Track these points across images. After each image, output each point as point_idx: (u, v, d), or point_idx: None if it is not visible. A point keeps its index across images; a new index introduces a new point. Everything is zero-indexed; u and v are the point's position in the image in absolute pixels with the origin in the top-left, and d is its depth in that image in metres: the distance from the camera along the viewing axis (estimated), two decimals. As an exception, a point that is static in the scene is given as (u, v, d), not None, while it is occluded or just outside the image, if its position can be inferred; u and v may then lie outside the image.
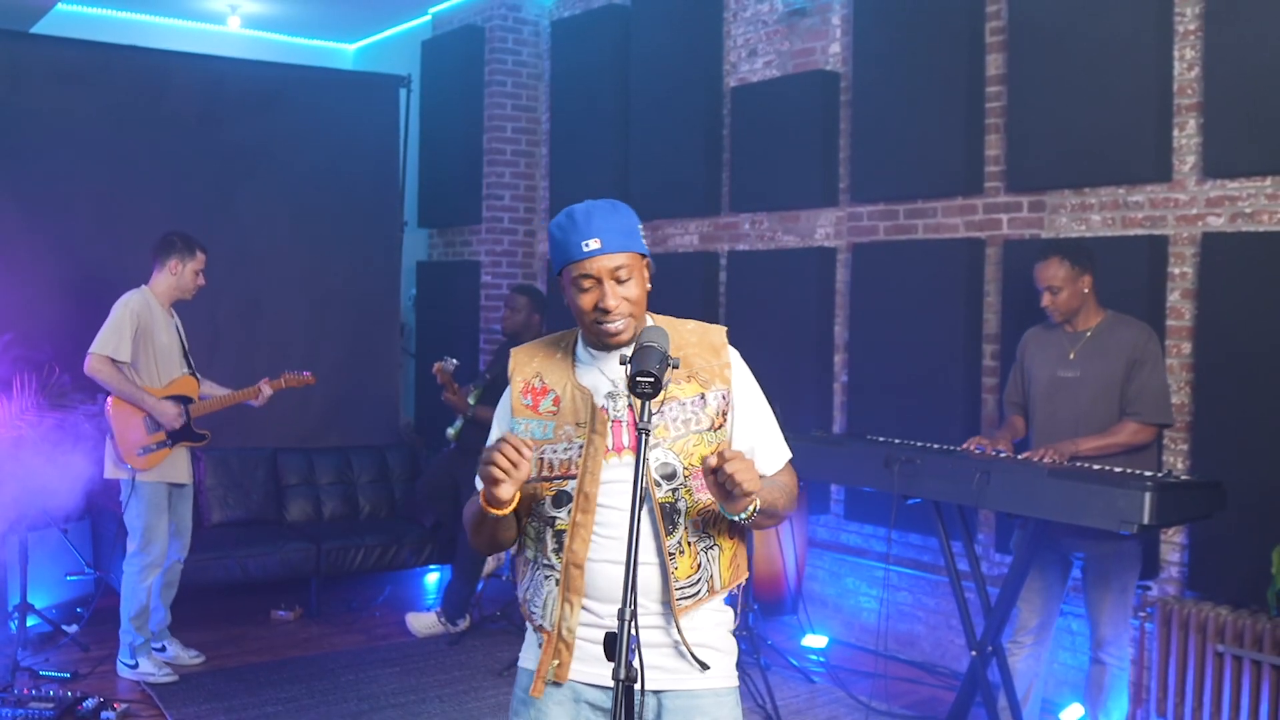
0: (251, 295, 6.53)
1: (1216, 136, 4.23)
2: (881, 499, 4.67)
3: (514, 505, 2.09)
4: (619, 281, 2.12)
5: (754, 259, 6.01)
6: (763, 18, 6.06)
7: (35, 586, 5.18)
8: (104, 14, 7.98)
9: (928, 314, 5.16)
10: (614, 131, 6.79)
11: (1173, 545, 4.39)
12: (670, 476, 2.14)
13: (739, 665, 2.30)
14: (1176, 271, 4.40)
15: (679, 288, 6.11)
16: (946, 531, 4.06)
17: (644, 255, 2.18)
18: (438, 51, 7.89)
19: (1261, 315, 4.08)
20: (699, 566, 2.16)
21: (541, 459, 2.17)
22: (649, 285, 2.20)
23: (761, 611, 5.27)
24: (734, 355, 2.27)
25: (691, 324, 2.29)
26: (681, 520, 2.14)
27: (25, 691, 4.40)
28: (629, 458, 2.13)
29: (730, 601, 2.27)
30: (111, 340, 4.66)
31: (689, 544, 2.15)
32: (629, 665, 1.90)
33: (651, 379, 1.96)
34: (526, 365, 2.27)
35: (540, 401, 2.21)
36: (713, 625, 2.21)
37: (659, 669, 2.14)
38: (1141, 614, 4.26)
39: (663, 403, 2.14)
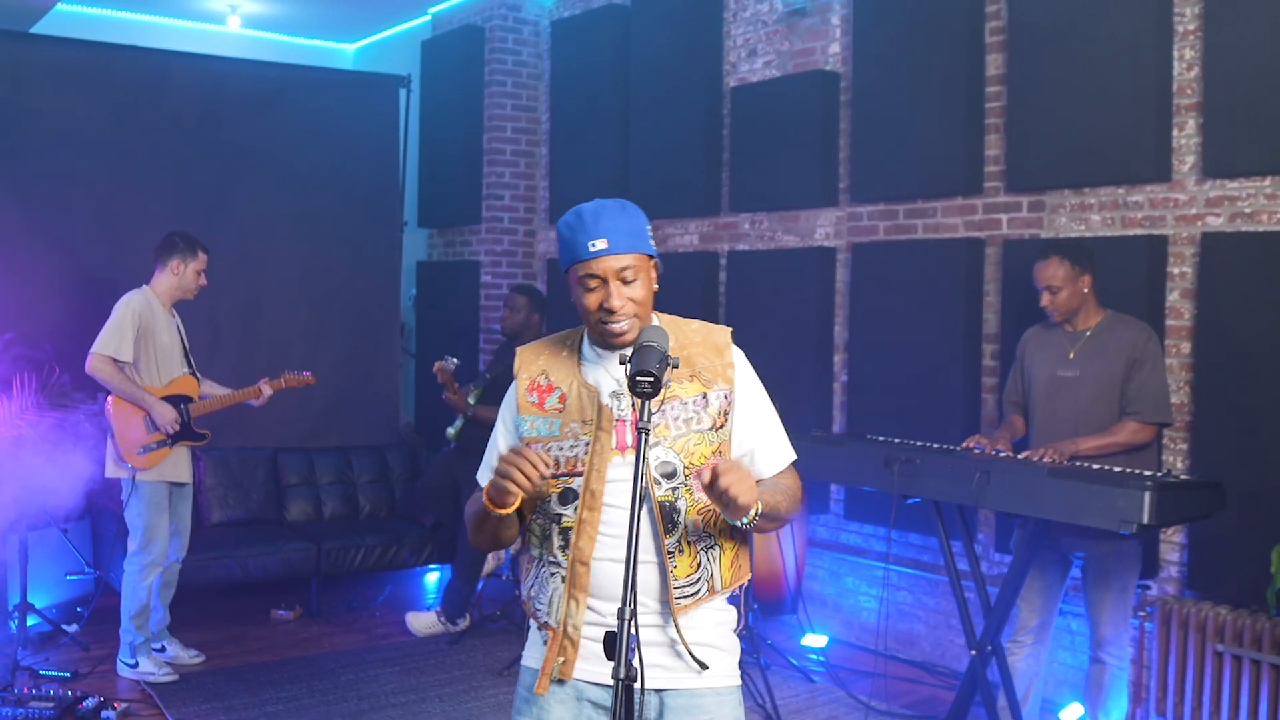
0: (251, 295, 6.53)
1: (1216, 136, 4.23)
2: (881, 499, 4.68)
3: (518, 504, 2.10)
4: (625, 282, 2.13)
5: (754, 259, 6.02)
6: (762, 18, 6.07)
7: (35, 586, 5.18)
8: (104, 14, 7.99)
9: (927, 314, 5.16)
10: (614, 131, 6.79)
11: (1172, 545, 4.40)
12: (670, 475, 2.14)
13: (739, 664, 2.30)
14: (1176, 271, 4.40)
15: (679, 288, 6.11)
16: (946, 531, 4.06)
17: (652, 256, 2.19)
18: (438, 51, 7.89)
19: (1261, 315, 4.08)
20: (699, 566, 2.16)
21: (548, 456, 2.17)
22: (656, 286, 2.20)
23: (761, 611, 5.27)
24: (738, 355, 2.27)
25: (696, 324, 2.30)
26: (681, 519, 2.15)
27: (25, 691, 4.40)
28: (632, 456, 2.13)
29: (734, 601, 2.27)
30: (113, 340, 4.67)
31: (689, 543, 2.15)
32: (629, 664, 1.91)
33: (651, 379, 1.97)
34: (532, 363, 2.27)
35: (546, 399, 2.22)
36: (715, 624, 2.21)
37: (660, 667, 2.14)
38: (1141, 613, 4.26)
39: (662, 402, 2.14)
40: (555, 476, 2.16)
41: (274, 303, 6.65)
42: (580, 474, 2.14)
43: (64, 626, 5.26)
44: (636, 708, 1.96)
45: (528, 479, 2.01)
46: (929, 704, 4.77)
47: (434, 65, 7.88)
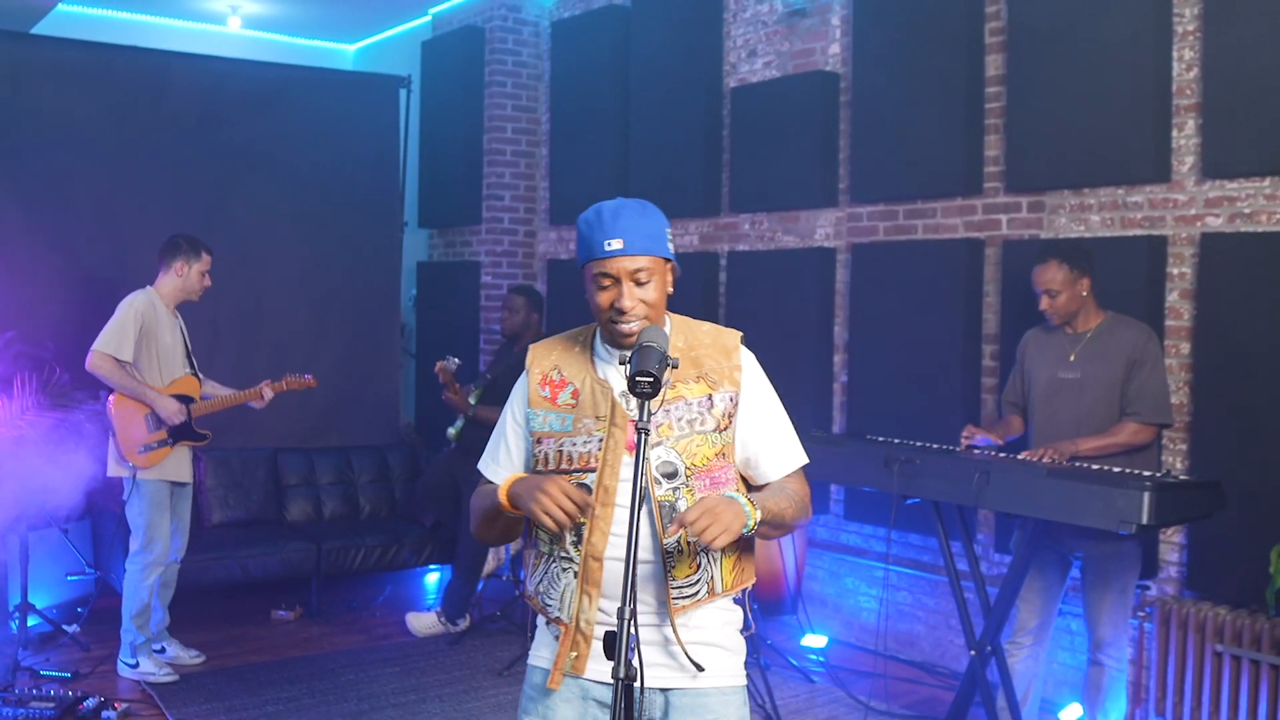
0: (252, 295, 6.53)
1: (1215, 137, 4.24)
2: (881, 499, 4.68)
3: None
4: (638, 284, 2.14)
5: (754, 259, 6.02)
6: (762, 18, 6.07)
7: (36, 586, 5.19)
8: (104, 14, 7.99)
9: (927, 314, 5.17)
10: (614, 132, 6.79)
11: (1172, 545, 4.40)
12: (671, 475, 2.14)
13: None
14: (1175, 272, 4.41)
15: (679, 288, 6.07)
16: (946, 531, 4.07)
17: (668, 260, 2.19)
18: (438, 52, 7.90)
19: (1260, 315, 4.08)
20: (699, 567, 2.16)
21: (560, 451, 2.18)
22: (670, 290, 2.21)
23: (761, 611, 5.27)
24: (747, 358, 2.27)
25: (707, 326, 2.31)
26: None
27: (26, 691, 4.40)
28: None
29: (740, 602, 2.27)
30: (114, 339, 4.68)
31: (689, 544, 2.14)
32: (628, 664, 1.91)
33: (651, 379, 1.97)
34: (545, 358, 2.28)
35: (559, 394, 2.22)
36: (720, 624, 2.21)
37: (665, 667, 2.15)
38: (1141, 614, 4.26)
39: (662, 402, 2.14)
40: (568, 472, 2.17)
41: (274, 303, 6.65)
42: (593, 470, 2.14)
43: (64, 627, 5.27)
44: (636, 707, 1.97)
45: (564, 519, 2.02)
46: (929, 704, 4.78)
47: (434, 66, 7.88)
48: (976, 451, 3.98)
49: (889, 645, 5.31)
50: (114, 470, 4.77)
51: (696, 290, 6.16)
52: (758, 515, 2.08)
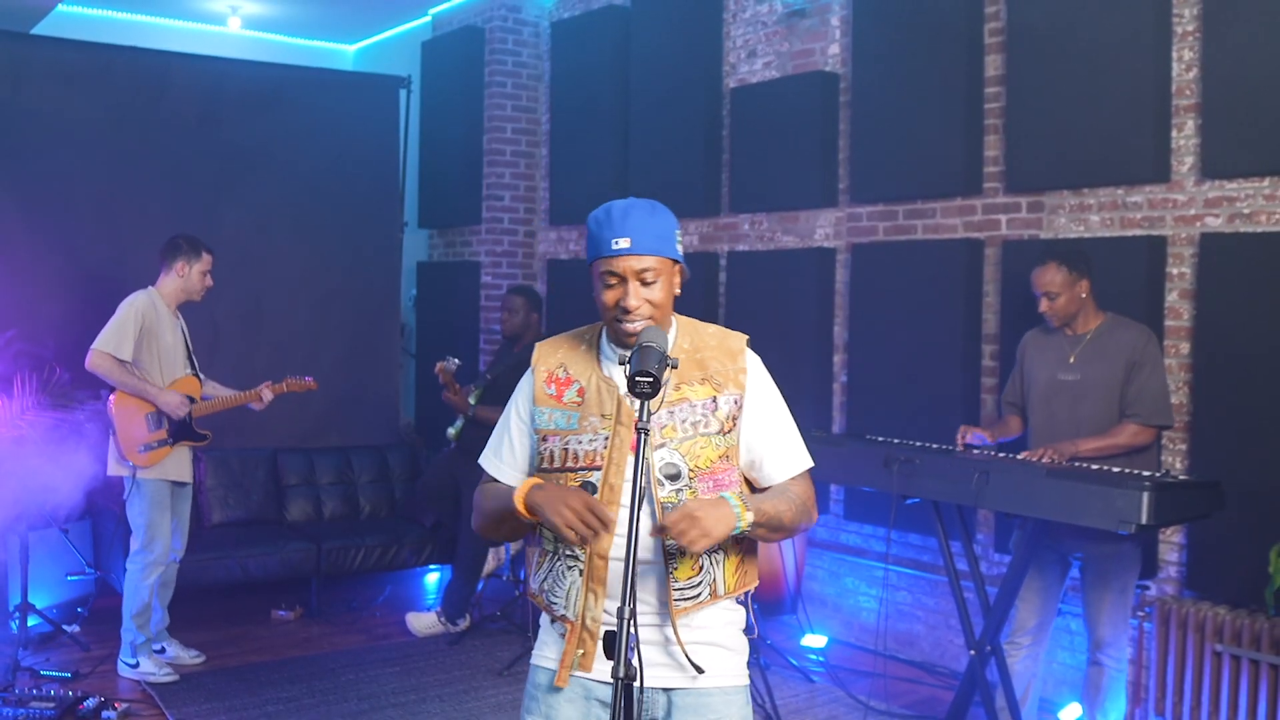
0: (252, 295, 6.54)
1: (1215, 137, 4.24)
2: (881, 499, 4.68)
3: None
4: (644, 283, 2.14)
5: (753, 259, 6.02)
6: (762, 19, 6.07)
7: (36, 586, 5.19)
8: (104, 15, 8.00)
9: (927, 314, 5.17)
10: (614, 132, 6.80)
11: (1171, 545, 4.40)
12: (675, 477, 2.14)
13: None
14: (1175, 272, 4.41)
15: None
16: (945, 531, 4.07)
17: (676, 261, 2.19)
18: (438, 52, 7.90)
19: (1259, 315, 4.08)
20: (701, 569, 2.16)
21: (566, 449, 2.18)
22: (678, 291, 2.21)
23: (761, 611, 5.28)
24: (753, 361, 2.27)
25: (713, 328, 2.31)
26: None
27: (26, 691, 4.41)
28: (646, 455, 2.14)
29: (743, 602, 2.27)
30: (114, 338, 4.68)
31: None
32: (628, 663, 1.91)
33: (650, 379, 1.98)
34: (550, 356, 2.28)
35: (564, 392, 2.22)
36: (722, 624, 2.21)
37: (667, 667, 2.15)
38: (1140, 613, 4.26)
39: (662, 402, 2.15)
40: (574, 470, 2.17)
41: (274, 303, 6.66)
42: (599, 468, 2.15)
43: (64, 627, 5.27)
44: (636, 706, 1.97)
45: (590, 535, 2.04)
46: (928, 704, 4.78)
47: (434, 66, 7.89)
48: (976, 451, 3.98)
49: (889, 645, 5.32)
50: (114, 469, 4.78)
51: (696, 290, 6.16)
52: (749, 518, 2.08)
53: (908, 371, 5.23)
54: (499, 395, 5.50)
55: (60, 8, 7.09)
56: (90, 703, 4.31)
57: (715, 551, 2.18)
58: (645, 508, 2.11)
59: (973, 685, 3.97)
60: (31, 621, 5.05)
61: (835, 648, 5.45)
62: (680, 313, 2.32)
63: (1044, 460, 3.73)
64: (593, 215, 2.19)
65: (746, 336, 2.30)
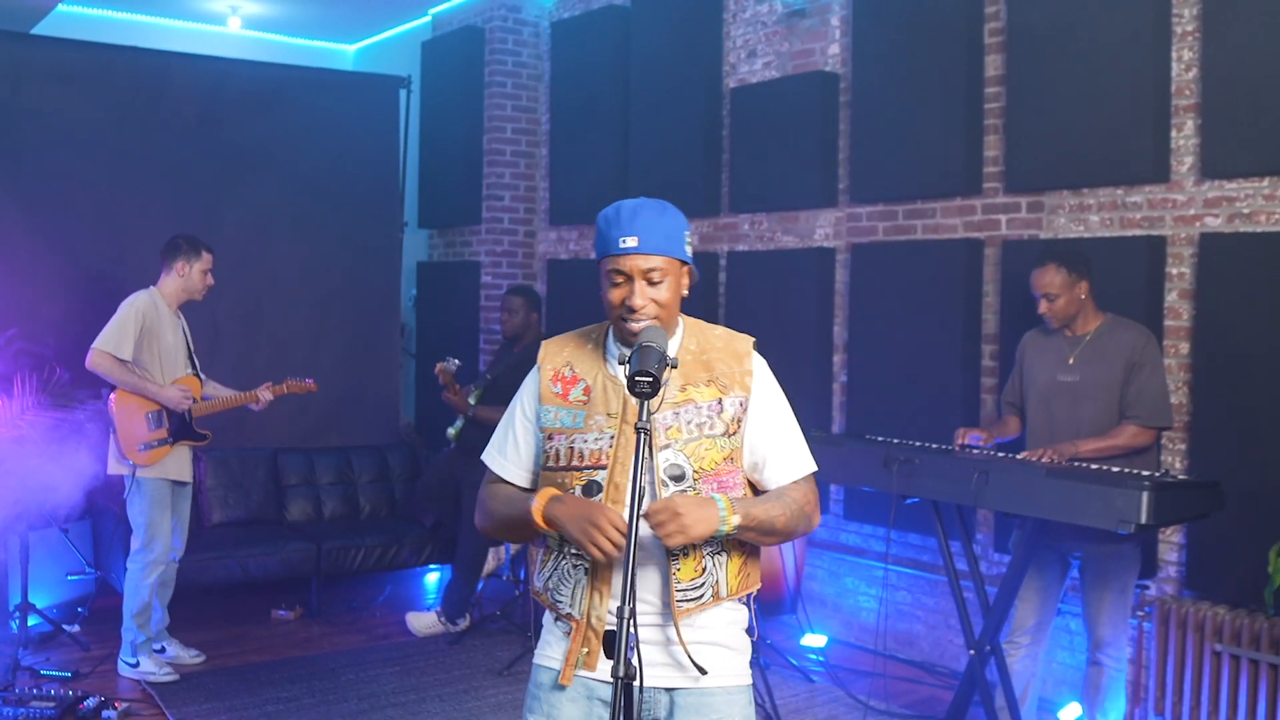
0: (252, 295, 6.54)
1: (1214, 137, 4.24)
2: (880, 499, 4.68)
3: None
4: (650, 283, 2.14)
5: (753, 259, 6.03)
6: (762, 19, 6.07)
7: (36, 586, 5.19)
8: (104, 15, 8.00)
9: (926, 314, 5.17)
10: (614, 132, 6.80)
11: (1171, 545, 4.40)
12: (679, 478, 2.14)
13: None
14: (1174, 272, 4.41)
15: (679, 288, 6.11)
16: (945, 531, 4.07)
17: (685, 263, 2.20)
18: (438, 52, 7.90)
19: (1259, 315, 4.09)
20: (703, 571, 2.16)
21: (571, 448, 2.18)
22: (686, 292, 2.22)
23: (761, 611, 5.28)
24: (759, 364, 2.27)
25: (720, 330, 2.31)
26: None
27: (27, 690, 4.41)
28: (653, 455, 2.14)
29: (745, 602, 2.27)
30: (114, 338, 4.69)
31: (694, 547, 2.15)
32: (628, 662, 1.92)
33: (650, 379, 1.98)
34: (557, 355, 2.28)
35: (570, 390, 2.22)
36: (725, 624, 2.21)
37: (669, 667, 2.16)
38: (1140, 613, 4.27)
39: (662, 401, 2.15)
40: (579, 469, 2.17)
41: (274, 303, 6.66)
42: (604, 467, 2.15)
43: (64, 626, 5.27)
44: (636, 706, 1.97)
45: (615, 553, 2.04)
46: (928, 704, 4.78)
47: (434, 66, 7.89)
48: (975, 451, 3.98)
49: (888, 645, 5.32)
50: (114, 468, 4.78)
51: (696, 290, 6.13)
52: (734, 521, 2.08)
53: (907, 371, 5.24)
54: (499, 395, 5.50)
55: (60, 8, 7.09)
56: (90, 702, 4.31)
57: (718, 553, 2.18)
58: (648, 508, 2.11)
59: (972, 685, 3.97)
60: (32, 621, 5.05)
61: (835, 647, 5.46)
62: (681, 312, 2.32)
63: (1044, 460, 3.73)
64: (602, 214, 2.19)
65: (753, 339, 2.31)
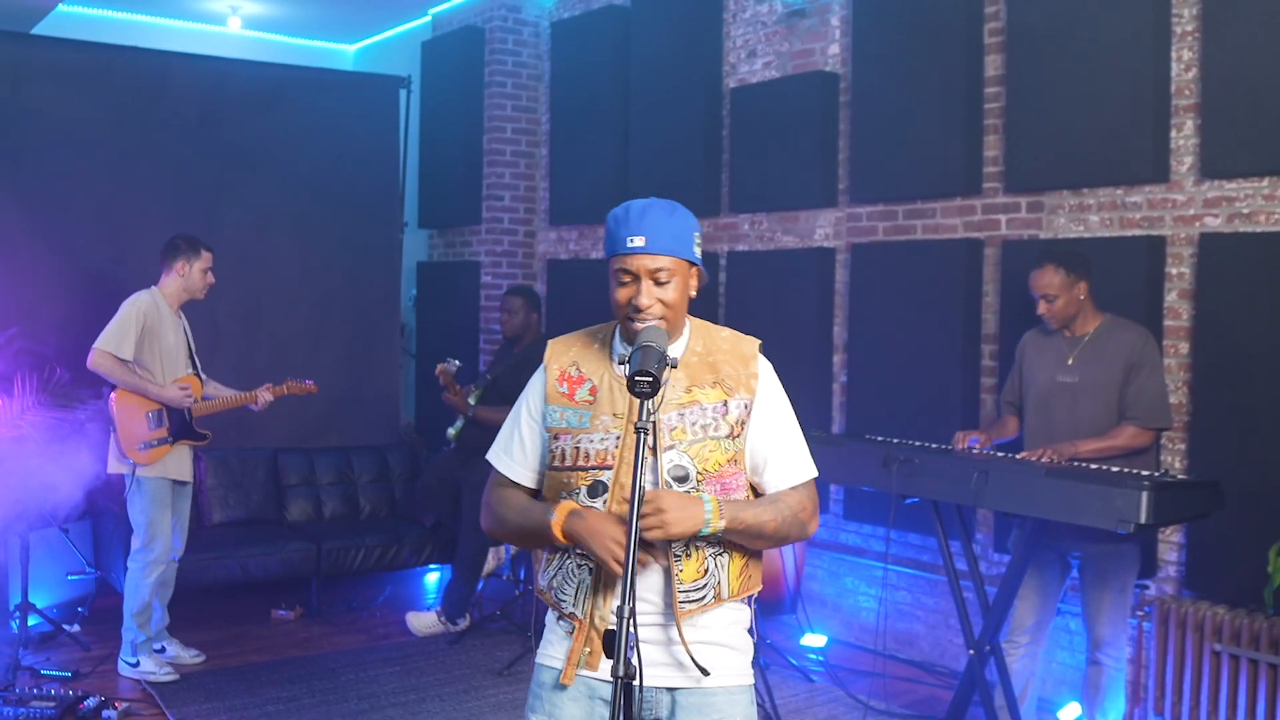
0: (252, 295, 6.54)
1: (1214, 137, 4.24)
2: (880, 498, 4.69)
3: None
4: (657, 283, 2.14)
5: (753, 259, 6.03)
6: (762, 19, 6.08)
7: (36, 586, 5.19)
8: (105, 15, 8.00)
9: (926, 314, 5.17)
10: (614, 132, 6.80)
11: (1170, 545, 4.40)
12: (683, 479, 2.14)
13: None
14: (1174, 272, 4.41)
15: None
16: (945, 531, 4.07)
17: (694, 264, 2.19)
18: (438, 52, 7.90)
19: (1259, 315, 4.09)
20: (705, 572, 2.16)
21: (577, 448, 2.18)
22: (694, 293, 2.21)
23: (760, 611, 5.28)
24: (764, 367, 2.27)
25: (726, 332, 2.31)
26: None
27: (27, 690, 4.41)
28: (658, 456, 2.14)
29: (748, 602, 2.27)
30: (115, 338, 4.70)
31: (696, 548, 2.15)
32: (627, 662, 1.92)
33: (650, 379, 1.98)
34: (563, 354, 2.28)
35: (576, 390, 2.22)
36: (727, 624, 2.21)
37: (671, 666, 2.16)
38: (1139, 613, 4.27)
39: (661, 402, 2.15)
40: (585, 469, 2.17)
41: (274, 303, 6.66)
42: (610, 467, 2.15)
43: (65, 626, 5.27)
44: (636, 705, 1.98)
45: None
46: (928, 704, 4.78)
47: (434, 66, 7.89)
48: (975, 451, 3.98)
49: (888, 645, 5.32)
50: (114, 467, 4.79)
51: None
52: (719, 525, 2.08)
53: (907, 371, 5.24)
54: (499, 396, 5.51)
55: (60, 8, 7.10)
56: (91, 702, 4.31)
57: (720, 554, 2.18)
58: None
59: (972, 685, 3.97)
60: (32, 621, 5.05)
61: (835, 647, 5.46)
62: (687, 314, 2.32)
63: (1043, 460, 3.73)
64: (612, 212, 2.19)
65: (759, 341, 2.30)
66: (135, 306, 4.75)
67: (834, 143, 5.67)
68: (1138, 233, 4.50)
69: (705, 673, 2.14)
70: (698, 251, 2.19)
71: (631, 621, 1.92)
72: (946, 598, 5.13)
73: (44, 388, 4.78)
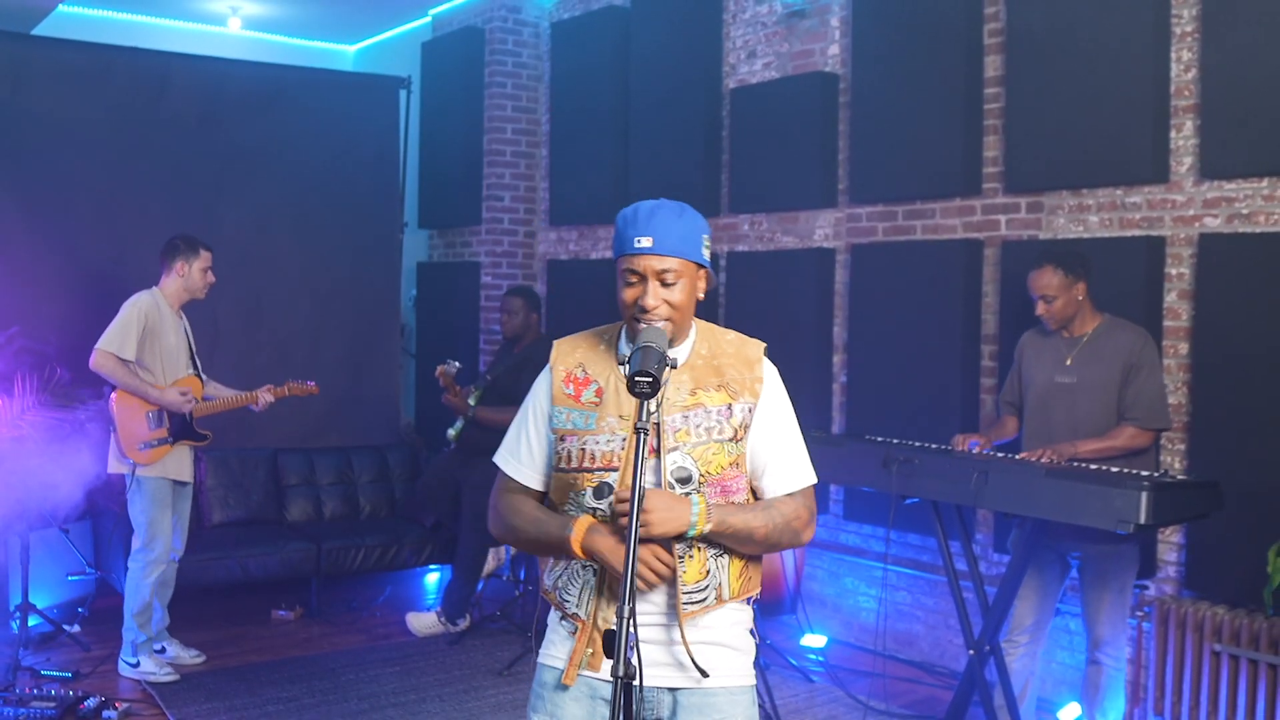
0: (252, 296, 6.55)
1: (1213, 138, 4.25)
2: (880, 499, 4.69)
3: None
4: (664, 284, 2.14)
5: (753, 260, 6.03)
6: (762, 19, 6.08)
7: (37, 586, 5.20)
8: (105, 15, 8.00)
9: (926, 315, 5.18)
10: (614, 133, 6.80)
11: (1170, 545, 4.41)
12: (685, 481, 2.14)
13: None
14: (1174, 272, 4.42)
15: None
16: (945, 531, 4.08)
17: (702, 266, 2.19)
18: (438, 53, 7.91)
19: (1258, 316, 4.09)
20: (707, 573, 2.16)
21: (583, 449, 2.18)
22: (701, 296, 2.21)
23: (760, 611, 5.28)
24: (769, 371, 2.27)
25: (732, 335, 2.31)
26: None
27: (27, 691, 4.41)
28: (661, 458, 2.15)
29: (749, 603, 2.28)
30: (117, 338, 4.70)
31: (698, 549, 2.16)
32: (627, 662, 1.92)
33: (650, 379, 1.98)
34: (569, 355, 2.28)
35: (582, 392, 2.22)
36: (729, 624, 2.22)
37: (672, 666, 2.16)
38: (1139, 613, 4.27)
39: (660, 402, 2.15)
40: (591, 470, 2.17)
41: (275, 303, 6.67)
42: (615, 469, 2.15)
43: (65, 626, 5.27)
44: (636, 705, 1.98)
45: (658, 581, 2.10)
46: (927, 704, 4.78)
47: (434, 67, 7.89)
48: (970, 449, 3.99)
49: (888, 645, 5.32)
50: (114, 466, 4.79)
51: (696, 291, 6.15)
52: (705, 528, 2.09)
53: (907, 372, 5.24)
54: (499, 396, 5.51)
55: (60, 8, 7.10)
56: (91, 702, 4.32)
57: (720, 555, 2.18)
58: None
59: (972, 685, 3.97)
60: (32, 621, 5.05)
61: (835, 648, 5.46)
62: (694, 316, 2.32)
63: (1043, 461, 3.74)
64: (621, 213, 2.20)
65: (764, 344, 2.30)
66: (136, 307, 4.76)
67: (834, 143, 5.67)
68: (1137, 233, 4.50)
69: (704, 674, 2.14)
70: (706, 254, 2.20)
71: (631, 622, 1.92)
72: (946, 598, 5.13)
73: (44, 387, 4.78)
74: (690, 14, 6.31)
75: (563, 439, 2.21)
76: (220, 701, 4.61)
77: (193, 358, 4.99)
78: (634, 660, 1.95)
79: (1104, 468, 3.64)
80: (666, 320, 2.14)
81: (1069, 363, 3.97)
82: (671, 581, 2.14)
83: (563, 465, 2.21)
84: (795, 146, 5.75)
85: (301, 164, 6.73)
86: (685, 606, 2.14)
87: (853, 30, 5.54)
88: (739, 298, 6.05)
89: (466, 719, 4.54)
